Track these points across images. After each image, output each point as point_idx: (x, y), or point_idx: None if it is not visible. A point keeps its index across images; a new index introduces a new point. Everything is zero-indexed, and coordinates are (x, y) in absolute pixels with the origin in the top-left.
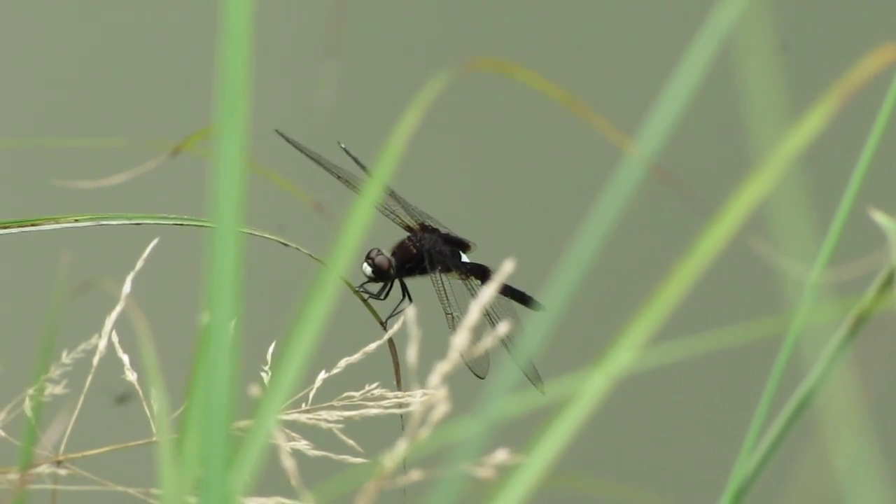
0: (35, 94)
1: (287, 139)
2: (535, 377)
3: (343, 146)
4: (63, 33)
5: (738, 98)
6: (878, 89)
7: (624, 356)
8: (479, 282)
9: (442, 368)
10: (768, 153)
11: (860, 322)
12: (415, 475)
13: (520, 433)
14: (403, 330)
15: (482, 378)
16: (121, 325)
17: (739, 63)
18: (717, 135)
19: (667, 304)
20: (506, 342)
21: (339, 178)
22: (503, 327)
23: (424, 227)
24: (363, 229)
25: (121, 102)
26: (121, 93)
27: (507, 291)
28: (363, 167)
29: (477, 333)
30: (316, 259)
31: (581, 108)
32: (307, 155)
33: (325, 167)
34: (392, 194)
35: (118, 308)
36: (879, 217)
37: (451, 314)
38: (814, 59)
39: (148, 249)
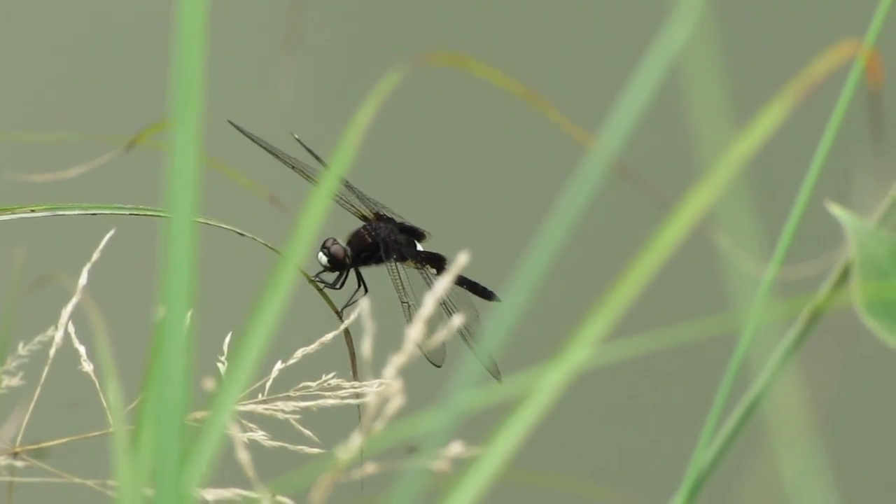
0: None
1: (240, 130)
2: (492, 367)
3: (297, 137)
4: (16, 27)
5: (699, 95)
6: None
7: (581, 352)
8: (434, 271)
9: (397, 361)
10: (725, 150)
11: (815, 317)
12: (370, 468)
13: (479, 428)
14: (360, 320)
15: (438, 366)
16: (78, 318)
17: (695, 61)
18: (679, 130)
19: (624, 299)
20: (463, 332)
21: (293, 168)
22: (459, 317)
23: (379, 217)
24: (319, 220)
25: (76, 96)
26: (76, 86)
27: (464, 283)
28: (318, 158)
29: (433, 323)
30: (272, 249)
31: (540, 102)
32: (260, 145)
33: (279, 157)
34: (347, 185)
35: (74, 300)
36: (836, 210)
37: (407, 303)
38: (773, 56)
39: (104, 241)
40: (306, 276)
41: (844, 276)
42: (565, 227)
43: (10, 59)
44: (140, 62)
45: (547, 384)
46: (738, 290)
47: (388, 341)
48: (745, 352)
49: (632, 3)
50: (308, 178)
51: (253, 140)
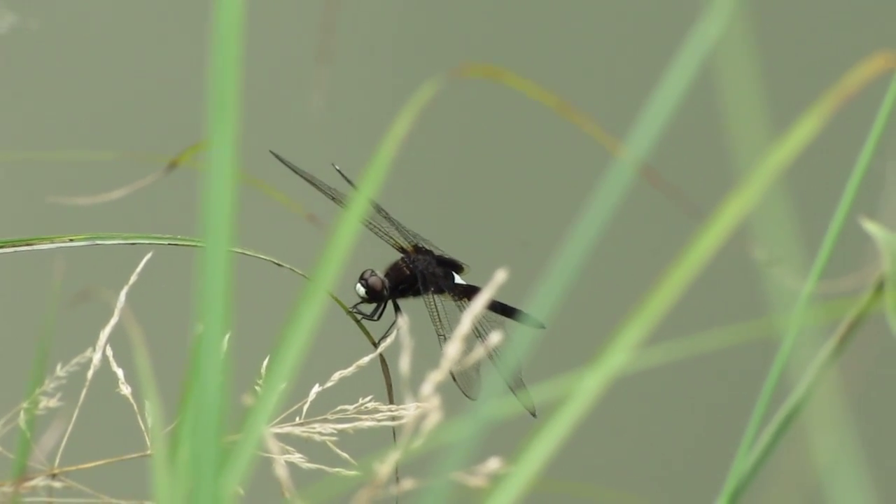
0: (30, 109)
1: (282, 160)
2: (525, 398)
3: (337, 168)
4: (58, 48)
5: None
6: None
7: (617, 359)
8: (471, 304)
9: (434, 377)
10: (761, 159)
11: (852, 328)
12: (407, 484)
13: (512, 437)
14: (395, 346)
15: (473, 399)
16: (115, 338)
17: (730, 66)
18: (710, 139)
19: (660, 307)
20: (495, 360)
21: (332, 198)
22: (494, 339)
23: (418, 249)
24: (350, 243)
25: (117, 116)
26: (117, 106)
27: (497, 307)
28: (356, 187)
29: (467, 349)
30: (307, 278)
31: (572, 112)
32: (301, 175)
33: (318, 187)
34: (386, 216)
35: (112, 321)
36: (870, 226)
37: (443, 335)
38: (809, 67)
39: (141, 264)
40: (343, 307)
41: (881, 285)
42: (592, 235)
43: (52, 78)
44: (180, 80)
45: (584, 390)
46: (774, 298)
47: (422, 371)
48: (785, 358)
49: (664, 9)
50: (345, 206)
51: (293, 170)
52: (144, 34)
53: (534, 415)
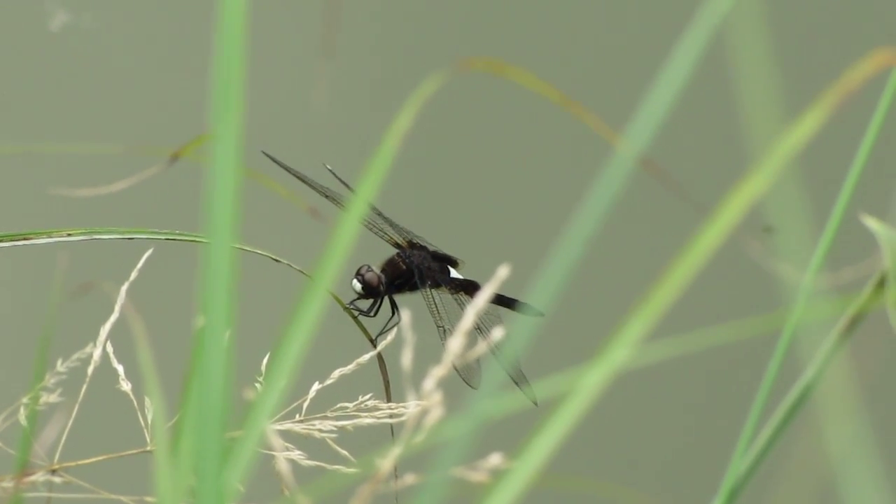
0: (32, 101)
1: (275, 160)
2: (525, 387)
3: (329, 168)
4: (60, 40)
5: (736, 98)
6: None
7: (619, 354)
8: (469, 297)
9: (437, 373)
10: (764, 153)
11: (853, 324)
12: (408, 479)
13: (515, 432)
14: (394, 343)
15: (475, 388)
16: (116, 333)
17: (735, 61)
18: (713, 133)
19: (663, 302)
20: (495, 352)
21: (327, 196)
22: (496, 333)
23: (413, 245)
24: (351, 241)
25: (119, 109)
26: (119, 99)
27: (497, 299)
28: (350, 188)
29: (469, 342)
30: (307, 275)
31: (573, 105)
32: (294, 175)
33: (312, 186)
34: (379, 214)
35: (113, 317)
36: (871, 222)
37: (443, 327)
38: (812, 62)
39: (142, 261)
40: (341, 303)
41: (882, 282)
42: (592, 225)
43: (53, 70)
44: (184, 72)
45: (587, 385)
46: (777, 291)
47: (421, 367)
48: (784, 351)
49: (665, 5)
50: (341, 205)
51: (287, 170)
52: (147, 24)
53: (535, 403)
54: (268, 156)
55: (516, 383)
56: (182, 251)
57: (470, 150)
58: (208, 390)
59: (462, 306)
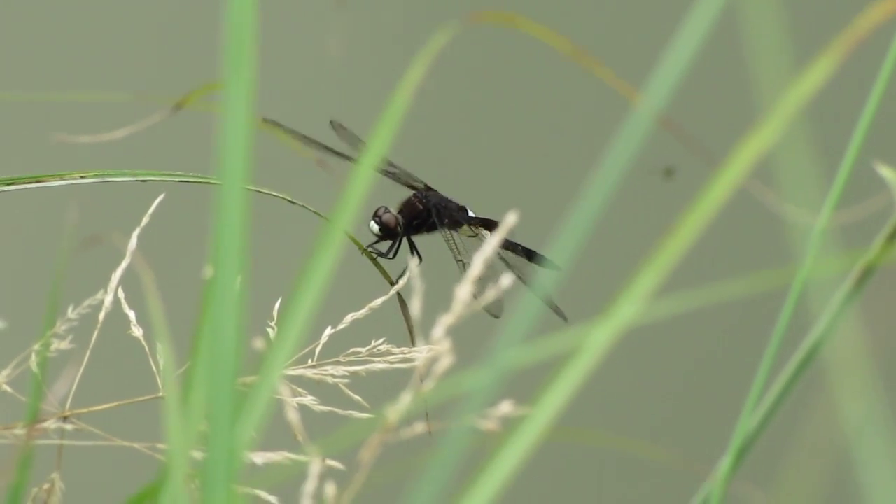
0: (37, 49)
1: (278, 125)
2: (554, 307)
3: (334, 122)
4: None
5: (745, 49)
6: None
7: (629, 308)
8: (489, 233)
9: (445, 321)
10: (773, 103)
11: (866, 274)
12: (419, 428)
13: (527, 385)
14: (411, 284)
15: (497, 317)
16: (127, 281)
17: (744, 13)
18: (724, 85)
19: (672, 256)
20: (521, 280)
21: (338, 154)
22: (520, 265)
23: (429, 187)
24: (367, 185)
25: (125, 56)
26: (125, 46)
27: (515, 248)
28: (360, 140)
29: (484, 283)
30: (321, 216)
31: (588, 59)
32: (298, 138)
33: (317, 147)
34: (392, 164)
35: (124, 264)
36: (884, 171)
37: (462, 261)
38: (821, 9)
39: (154, 205)
40: (359, 246)
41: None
42: (612, 184)
43: (54, 18)
44: (190, 21)
45: (598, 339)
46: (789, 244)
47: (442, 307)
48: (794, 304)
49: None
50: (351, 160)
51: (291, 134)
52: None
53: (565, 319)
54: (271, 122)
55: (546, 304)
56: (193, 201)
57: (485, 105)
58: (220, 336)
59: (483, 241)
